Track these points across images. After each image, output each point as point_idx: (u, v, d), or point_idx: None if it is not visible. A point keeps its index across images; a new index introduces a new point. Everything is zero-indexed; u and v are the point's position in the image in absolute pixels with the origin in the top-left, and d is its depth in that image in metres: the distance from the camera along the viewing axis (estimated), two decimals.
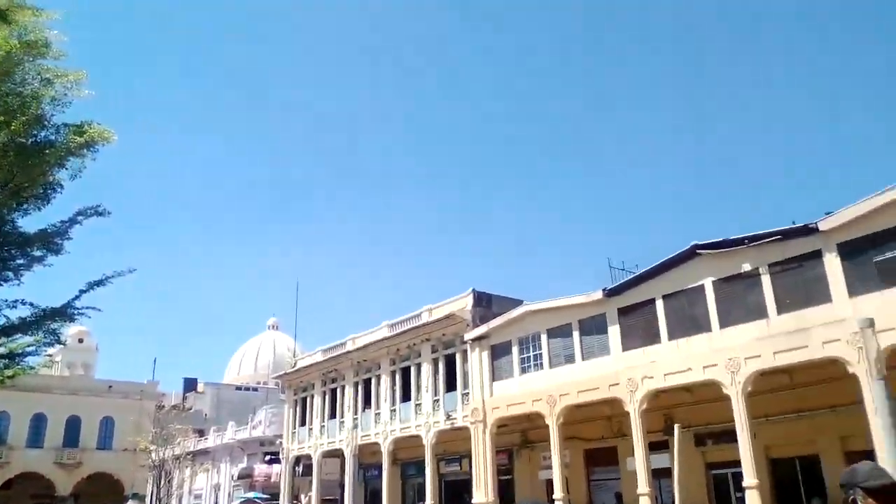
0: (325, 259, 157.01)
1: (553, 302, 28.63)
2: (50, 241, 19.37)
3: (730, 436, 22.08)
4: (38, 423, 50.39)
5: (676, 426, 8.77)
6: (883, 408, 7.88)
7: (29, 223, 19.89)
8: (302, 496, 41.75)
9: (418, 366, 35.38)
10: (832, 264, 20.56)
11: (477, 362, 31.26)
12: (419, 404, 34.70)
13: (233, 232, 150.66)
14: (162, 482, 52.34)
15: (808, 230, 21.03)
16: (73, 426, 51.36)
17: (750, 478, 20.73)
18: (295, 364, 46.26)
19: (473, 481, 30.07)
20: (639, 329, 25.43)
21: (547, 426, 27.11)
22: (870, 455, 21.31)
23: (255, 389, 74.31)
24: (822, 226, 20.63)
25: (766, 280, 22.09)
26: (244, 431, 57.41)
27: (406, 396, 35.75)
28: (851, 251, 20.26)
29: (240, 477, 54.89)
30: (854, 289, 19.96)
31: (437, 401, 33.67)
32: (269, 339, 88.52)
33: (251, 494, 51.31)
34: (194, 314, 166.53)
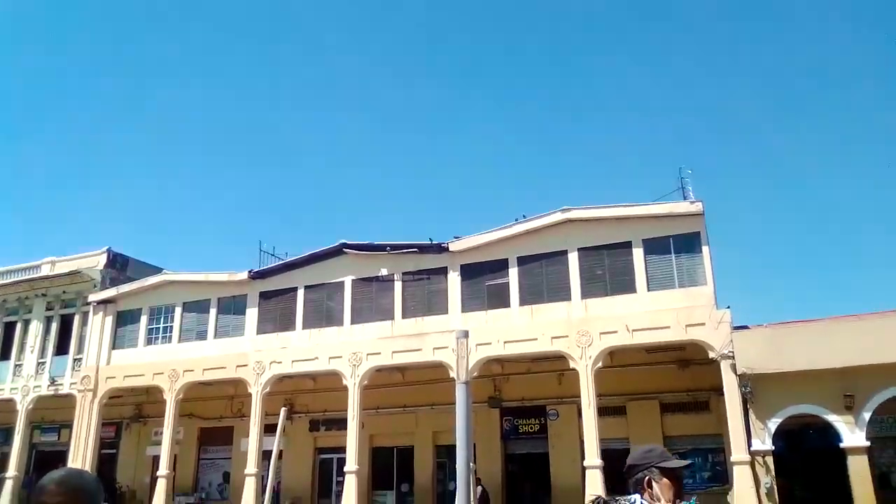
0: None
1: (195, 275, 27.63)
2: None
3: (341, 424, 23.63)
4: None
5: (283, 409, 9.15)
6: (462, 408, 9.17)
7: None
8: None
9: (26, 322, 31.17)
10: (454, 282, 23.28)
11: (98, 327, 28.63)
12: (20, 365, 30.56)
13: None
14: None
15: (441, 248, 23.55)
16: None
17: (352, 464, 22.40)
18: None
19: (70, 453, 27.46)
20: (277, 315, 25.82)
21: (164, 401, 25.99)
22: (452, 449, 24.68)
23: None
24: (452, 247, 23.29)
25: (398, 286, 24.12)
26: None
27: (5, 355, 31.22)
28: (470, 273, 23.19)
29: None
30: (467, 305, 22.87)
31: (43, 363, 30.03)
32: None
33: None
34: None
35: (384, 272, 24.51)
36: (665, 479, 2.66)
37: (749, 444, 18.26)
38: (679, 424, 22.13)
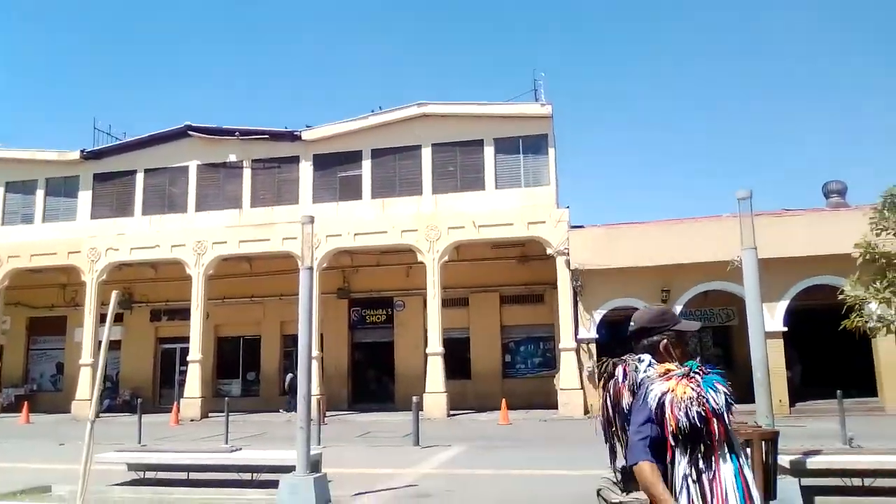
0: None
1: (20, 152, 25.22)
2: None
3: (185, 314, 23.11)
4: None
5: (115, 293, 8.79)
6: (305, 294, 9.26)
7: None
8: None
9: None
10: (305, 171, 22.81)
11: None
12: None
13: None
14: None
15: (293, 137, 22.85)
16: None
17: (196, 353, 22.19)
18: None
19: None
20: (113, 199, 24.30)
21: None
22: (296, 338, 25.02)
23: None
24: (305, 136, 22.65)
25: (247, 173, 23.33)
26: None
27: None
28: (323, 163, 22.78)
29: None
30: (318, 196, 22.60)
31: None
32: None
33: None
34: None
35: (233, 158, 23.55)
36: (678, 342, 2.64)
37: (576, 333, 19.90)
38: (516, 315, 23.63)
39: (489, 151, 21.62)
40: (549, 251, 20.37)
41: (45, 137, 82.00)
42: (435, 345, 20.52)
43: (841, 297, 6.19)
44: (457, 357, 22.40)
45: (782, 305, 18.77)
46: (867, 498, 7.64)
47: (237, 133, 23.46)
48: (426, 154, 22.01)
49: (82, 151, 24.37)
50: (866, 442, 10.99)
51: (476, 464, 11.58)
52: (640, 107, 66.59)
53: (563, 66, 64.35)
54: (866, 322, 5.95)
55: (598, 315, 19.96)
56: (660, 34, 67.06)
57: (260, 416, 20.90)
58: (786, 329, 18.69)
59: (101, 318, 22.66)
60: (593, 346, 19.87)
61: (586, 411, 19.03)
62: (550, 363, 22.80)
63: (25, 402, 22.61)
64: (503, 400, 18.60)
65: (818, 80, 60.89)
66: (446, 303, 21.59)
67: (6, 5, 68.12)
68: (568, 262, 19.92)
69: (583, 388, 19.42)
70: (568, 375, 19.68)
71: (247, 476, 9.99)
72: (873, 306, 5.66)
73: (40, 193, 24.87)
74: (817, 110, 59.78)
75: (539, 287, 23.06)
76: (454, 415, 19.97)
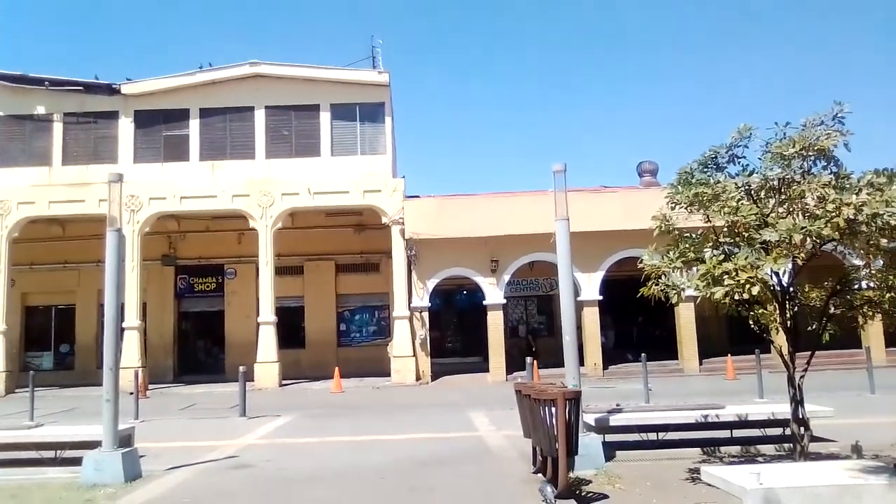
0: None
1: None
2: None
3: None
4: None
5: None
6: (112, 258, 8.66)
7: None
8: None
9: None
10: (125, 128, 21.24)
11: None
12: None
13: None
14: None
15: (112, 90, 21.18)
16: None
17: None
18: None
19: None
20: None
21: None
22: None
23: None
24: (125, 89, 21.07)
25: (58, 128, 21.36)
26: None
27: None
28: (146, 120, 21.31)
29: None
30: (140, 155, 21.16)
31: None
32: None
33: None
34: None
35: (41, 110, 21.44)
36: None
37: (410, 302, 20.26)
38: (352, 283, 23.67)
39: (325, 117, 21.26)
40: (384, 220, 20.50)
41: None
42: (267, 313, 20.07)
43: (640, 265, 6.74)
44: (291, 326, 22.09)
45: (598, 276, 20.18)
46: (660, 450, 8.48)
47: (46, 83, 21.34)
48: (259, 116, 21.26)
49: None
50: (665, 399, 12.21)
51: (302, 433, 11.54)
52: (480, 80, 68.20)
53: (402, 39, 64.23)
54: (662, 290, 6.51)
55: (432, 284, 20.42)
56: (501, 11, 68.76)
57: (74, 391, 19.47)
58: (601, 298, 20.14)
59: None
60: (426, 315, 20.34)
61: (418, 378, 19.54)
62: (385, 331, 23.10)
63: None
64: (336, 368, 18.64)
65: (656, 70, 65.34)
66: (280, 270, 21.16)
67: None
68: (403, 232, 20.15)
69: (415, 355, 19.87)
70: (401, 343, 20.04)
71: (49, 454, 9.32)
72: (675, 276, 6.23)
73: None
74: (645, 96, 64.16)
75: (374, 256, 23.20)
76: (287, 384, 19.74)
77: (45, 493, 7.60)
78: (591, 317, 20.20)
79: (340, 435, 11.09)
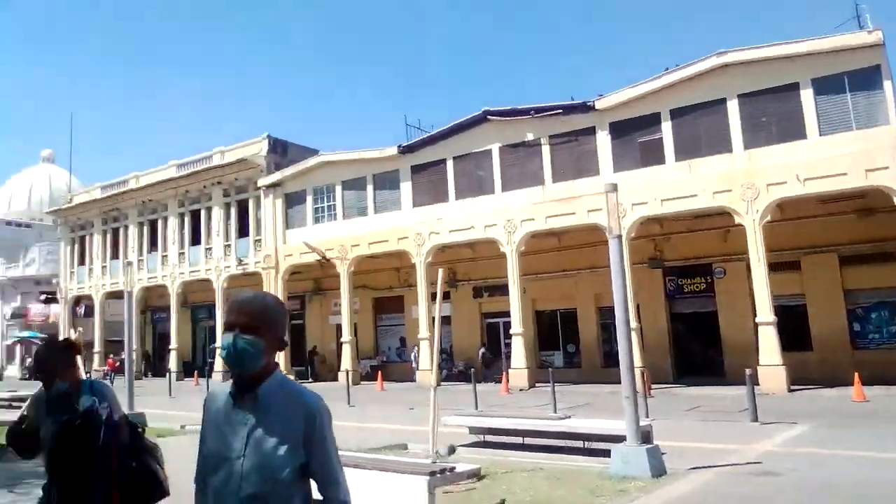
0: (102, 91, 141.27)
1: (349, 154, 28.68)
2: None
3: (503, 289, 24.40)
4: None
5: (441, 271, 9.69)
6: (616, 262, 9.20)
7: None
8: (72, 332, 40.00)
9: (209, 209, 34.27)
10: (603, 141, 22.48)
11: (270, 209, 30.94)
12: (210, 248, 33.98)
13: None
14: None
15: (587, 107, 22.62)
16: None
17: (517, 326, 23.29)
18: (71, 200, 42.68)
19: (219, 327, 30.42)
20: (429, 187, 26.45)
21: (338, 275, 27.99)
22: (612, 310, 24.83)
23: (28, 226, 67.63)
24: (598, 105, 22.31)
25: (545, 150, 23.72)
26: (16, 269, 52.87)
27: (196, 240, 34.77)
28: (620, 130, 22.23)
29: (13, 316, 51.21)
30: (618, 164, 22.11)
31: (229, 246, 33.20)
32: (43, 172, 79.36)
33: (26, 333, 48.36)
34: None
35: (530, 137, 24.11)
36: None
37: None
38: (861, 277, 20.65)
39: (807, 95, 19.13)
40: None
41: (363, 138, 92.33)
42: (765, 313, 18.79)
43: None
44: (791, 326, 20.21)
45: None
46: None
47: (532, 111, 23.94)
48: (732, 107, 20.23)
49: (399, 147, 26.88)
50: None
51: (827, 443, 10.37)
52: None
53: None
54: None
55: None
56: None
57: (583, 388, 21.14)
58: None
59: (432, 297, 24.98)
60: None
61: None
62: None
63: (378, 372, 25.91)
64: (856, 374, 16.37)
65: None
66: (773, 267, 19.61)
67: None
68: None
69: None
70: None
71: (577, 444, 10.18)
72: None
73: (370, 189, 28.06)
74: None
75: (889, 244, 19.91)
76: (795, 390, 18.12)
77: (582, 479, 8.24)
78: None
79: (875, 450, 9.58)
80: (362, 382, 26.53)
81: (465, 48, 79.10)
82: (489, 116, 24.69)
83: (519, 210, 23.67)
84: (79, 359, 3.78)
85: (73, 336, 39.56)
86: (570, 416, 11.26)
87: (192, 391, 25.01)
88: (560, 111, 23.30)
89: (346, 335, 27.56)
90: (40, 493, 3.48)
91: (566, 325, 26.26)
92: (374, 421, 14.51)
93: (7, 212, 77.23)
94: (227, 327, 2.32)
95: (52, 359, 3.55)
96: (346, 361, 26.92)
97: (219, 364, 31.91)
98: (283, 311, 2.42)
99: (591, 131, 22.79)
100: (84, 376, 3.68)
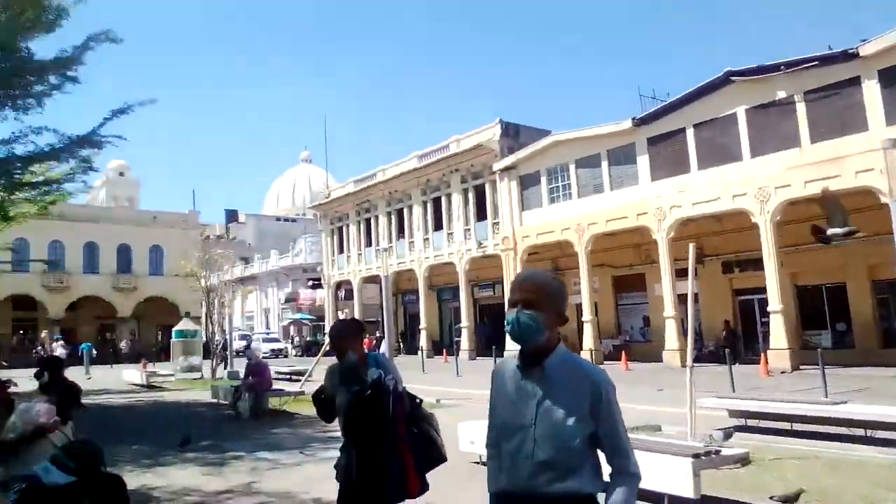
0: (351, 92, 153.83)
1: (581, 132, 28.32)
2: (65, 67, 18.90)
3: (756, 264, 22.66)
4: (92, 251, 52.52)
5: (692, 245, 9.18)
6: None
7: (41, 51, 19.51)
8: (339, 313, 44.28)
9: (448, 196, 35.97)
10: (871, 91, 19.80)
11: (506, 192, 31.66)
12: (451, 233, 35.69)
13: (254, 64, 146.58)
14: (214, 304, 55.54)
15: (848, 56, 20.04)
16: (124, 254, 53.61)
17: (775, 303, 21.54)
18: (328, 195, 47.23)
19: (506, 305, 31.34)
20: (668, 158, 25.26)
21: (576, 254, 27.89)
22: (893, 285, 21.78)
23: (294, 220, 76.59)
24: (863, 51, 19.64)
25: (800, 108, 21.49)
26: (286, 259, 60.19)
27: (438, 226, 36.73)
28: (892, 79, 19.39)
29: (286, 301, 58.33)
30: (893, 117, 19.32)
31: (469, 230, 34.59)
32: (303, 171, 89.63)
33: (298, 315, 54.87)
34: (229, 148, 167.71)
35: (781, 95, 21.97)
36: None
37: None
38: None
39: None
40: None
41: (593, 116, 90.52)
42: None
43: None
44: None
45: None
46: None
47: (782, 67, 21.72)
48: None
49: (633, 119, 25.96)
50: None
51: None
52: None
53: None
54: None
55: None
56: None
57: (858, 370, 18.95)
58: None
59: (676, 273, 23.94)
60: None
61: None
62: None
63: (622, 352, 25.48)
64: None
65: None
66: None
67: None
68: None
69: None
70: None
71: (858, 432, 9.17)
72: None
73: (604, 165, 27.51)
74: None
75: None
76: None
77: (866, 470, 7.46)
78: None
79: None
80: (605, 363, 26.20)
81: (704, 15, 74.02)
82: (732, 77, 22.89)
83: (772, 176, 21.74)
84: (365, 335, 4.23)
85: (342, 316, 44.11)
86: (845, 402, 10.14)
87: (442, 367, 26.44)
88: (816, 62, 20.90)
89: (587, 314, 27.39)
90: (325, 454, 3.92)
91: (833, 301, 23.62)
92: (623, 401, 14.25)
93: (276, 209, 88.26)
94: (511, 304, 2.43)
95: (344, 335, 4.00)
96: (588, 341, 26.79)
97: (465, 343, 33.53)
98: (561, 287, 2.48)
99: (855, 81, 20.18)
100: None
